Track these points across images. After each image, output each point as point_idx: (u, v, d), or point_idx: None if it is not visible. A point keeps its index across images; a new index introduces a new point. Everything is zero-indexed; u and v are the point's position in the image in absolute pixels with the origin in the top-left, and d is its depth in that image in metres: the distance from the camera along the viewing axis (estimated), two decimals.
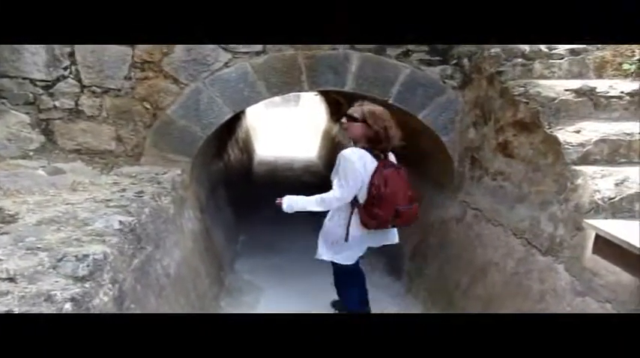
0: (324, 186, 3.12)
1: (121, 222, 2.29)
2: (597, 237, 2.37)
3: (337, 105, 7.23)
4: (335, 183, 2.94)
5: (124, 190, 2.87)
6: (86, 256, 1.87)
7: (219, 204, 4.86)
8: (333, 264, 3.25)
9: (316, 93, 9.31)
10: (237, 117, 6.69)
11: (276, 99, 11.10)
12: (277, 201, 3.06)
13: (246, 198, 6.25)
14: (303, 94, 13.28)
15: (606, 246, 2.31)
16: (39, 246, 1.94)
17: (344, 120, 3.08)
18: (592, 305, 2.31)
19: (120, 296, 1.95)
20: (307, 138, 11.67)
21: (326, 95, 8.53)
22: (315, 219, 3.31)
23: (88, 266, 1.82)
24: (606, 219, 2.42)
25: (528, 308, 2.69)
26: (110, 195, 2.75)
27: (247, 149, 8.65)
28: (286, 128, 14.01)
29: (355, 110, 3.01)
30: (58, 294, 1.60)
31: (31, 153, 3.49)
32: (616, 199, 2.44)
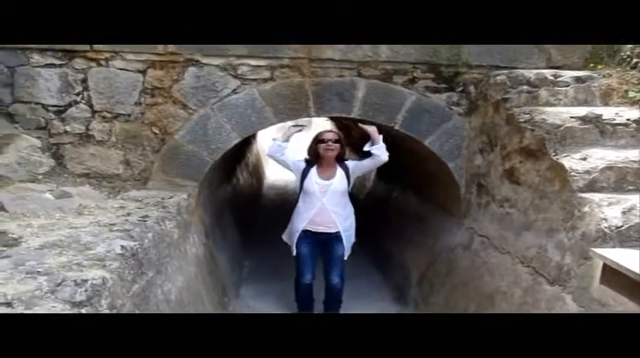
0: None
1: (122, 247, 2.28)
2: (605, 266, 2.32)
3: (347, 130, 7.26)
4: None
5: (128, 214, 2.88)
6: (85, 281, 1.86)
7: (226, 229, 4.85)
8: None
9: (327, 118, 9.36)
10: (248, 142, 6.76)
11: (289, 123, 11.19)
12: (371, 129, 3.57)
13: (254, 223, 6.24)
14: (314, 119, 13.35)
15: (614, 276, 2.25)
16: (39, 270, 1.94)
17: None
18: None
19: None
20: None
21: (336, 120, 8.56)
22: None
23: (86, 291, 1.82)
24: (614, 247, 2.37)
25: None
26: (115, 219, 2.76)
27: (257, 173, 8.70)
28: (298, 152, 14.04)
29: None
30: None
31: (40, 177, 3.53)
32: (623, 228, 2.39)
